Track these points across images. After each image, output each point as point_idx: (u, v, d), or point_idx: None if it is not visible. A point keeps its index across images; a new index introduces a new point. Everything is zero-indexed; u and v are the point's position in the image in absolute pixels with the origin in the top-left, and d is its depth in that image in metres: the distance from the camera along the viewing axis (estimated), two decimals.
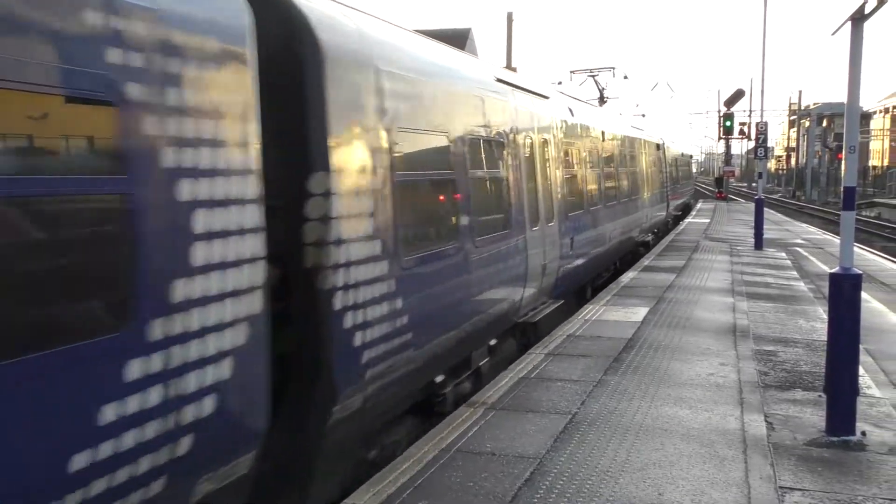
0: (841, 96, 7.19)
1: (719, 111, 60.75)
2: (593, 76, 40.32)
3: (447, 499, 5.54)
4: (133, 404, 3.80)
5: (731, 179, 64.72)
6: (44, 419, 3.38)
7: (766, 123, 28.12)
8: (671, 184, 33.46)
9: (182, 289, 4.11)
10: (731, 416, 7.41)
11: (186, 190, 4.15)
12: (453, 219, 7.89)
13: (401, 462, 6.21)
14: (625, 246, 20.03)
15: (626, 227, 19.35)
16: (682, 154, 48.38)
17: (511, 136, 10.05)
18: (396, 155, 6.52)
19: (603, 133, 17.26)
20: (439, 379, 7.63)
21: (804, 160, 75.60)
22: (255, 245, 4.66)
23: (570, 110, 14.47)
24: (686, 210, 43.80)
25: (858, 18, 6.54)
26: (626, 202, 19.57)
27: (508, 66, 33.21)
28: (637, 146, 23.01)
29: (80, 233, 3.67)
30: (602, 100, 39.55)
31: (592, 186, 15.49)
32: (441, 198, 7.84)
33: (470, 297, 8.15)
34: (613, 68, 40.89)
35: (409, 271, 6.58)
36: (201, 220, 4.25)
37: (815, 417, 7.38)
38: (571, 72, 41.27)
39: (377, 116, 6.27)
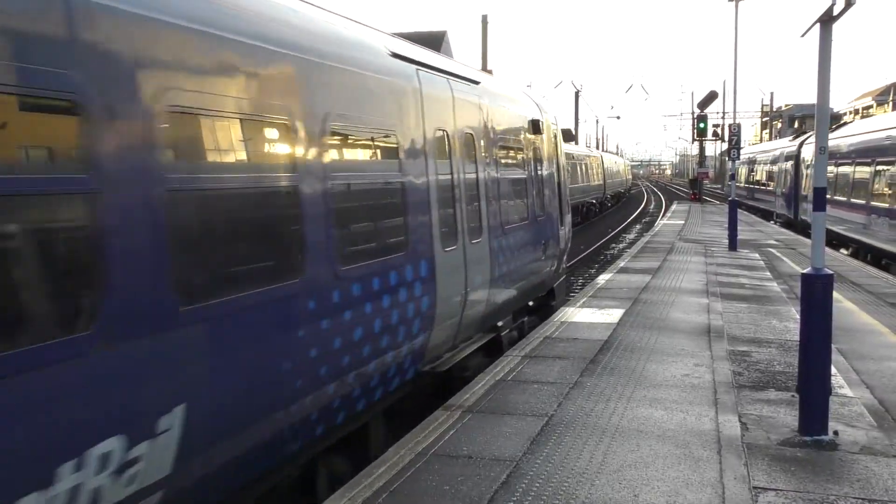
0: (812, 98, 7.27)
1: (693, 113, 61.34)
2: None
3: (423, 503, 5.51)
4: None
5: (706, 181, 65.21)
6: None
7: (738, 125, 28.45)
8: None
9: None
10: (705, 416, 7.45)
11: None
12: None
13: (376, 466, 6.17)
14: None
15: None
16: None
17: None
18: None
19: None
20: None
21: None
22: None
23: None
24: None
25: (827, 20, 6.61)
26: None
27: (484, 69, 33.28)
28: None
29: None
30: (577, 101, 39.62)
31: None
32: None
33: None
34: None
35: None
36: None
37: (788, 417, 7.43)
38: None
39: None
